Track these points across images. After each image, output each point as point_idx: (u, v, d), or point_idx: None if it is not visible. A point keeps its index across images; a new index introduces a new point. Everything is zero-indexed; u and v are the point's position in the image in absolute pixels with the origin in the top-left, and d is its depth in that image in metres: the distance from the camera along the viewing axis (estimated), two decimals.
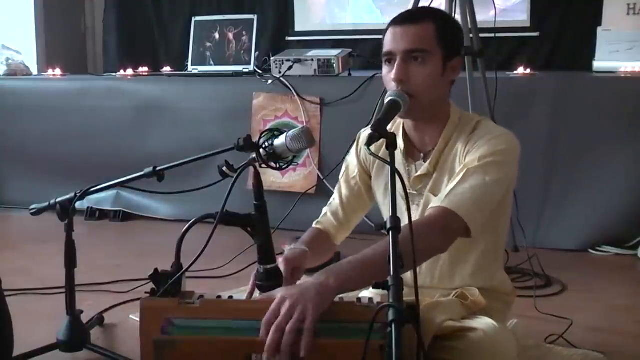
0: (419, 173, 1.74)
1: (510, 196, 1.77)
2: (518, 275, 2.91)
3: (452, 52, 1.70)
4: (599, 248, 3.29)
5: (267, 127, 3.15)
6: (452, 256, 1.74)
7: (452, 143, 1.72)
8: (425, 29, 1.67)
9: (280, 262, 1.65)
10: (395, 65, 1.66)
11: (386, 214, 1.83)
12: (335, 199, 1.92)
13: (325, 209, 1.93)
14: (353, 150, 1.92)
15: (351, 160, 1.92)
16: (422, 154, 1.76)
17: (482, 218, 1.60)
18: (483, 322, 1.56)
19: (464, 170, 1.63)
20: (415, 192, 1.74)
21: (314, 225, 1.91)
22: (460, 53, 1.75)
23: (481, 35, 3.15)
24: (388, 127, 1.86)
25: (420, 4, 3.16)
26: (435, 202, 1.62)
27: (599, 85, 3.50)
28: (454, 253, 1.72)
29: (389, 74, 1.69)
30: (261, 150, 1.65)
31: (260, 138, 1.67)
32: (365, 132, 1.89)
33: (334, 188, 1.98)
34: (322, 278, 1.42)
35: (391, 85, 1.67)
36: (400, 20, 1.70)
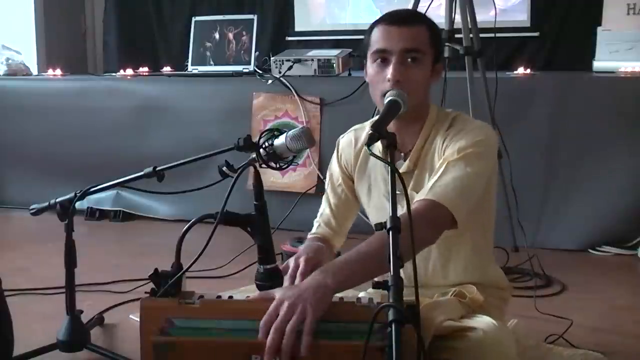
0: (400, 171, 1.74)
1: (493, 187, 1.79)
2: (518, 275, 2.91)
3: (438, 56, 1.74)
4: (599, 248, 3.29)
5: (267, 127, 3.14)
6: (443, 252, 1.75)
7: (430, 139, 1.74)
8: (420, 32, 1.69)
9: (304, 256, 1.64)
10: (392, 64, 1.66)
11: (372, 214, 1.85)
12: (325, 210, 1.91)
13: (317, 221, 1.92)
14: (334, 158, 1.92)
15: (334, 168, 1.92)
16: (402, 154, 1.77)
17: (466, 208, 1.62)
18: (483, 322, 1.56)
19: (445, 163, 1.64)
20: (398, 192, 1.74)
21: (310, 236, 1.89)
22: (441, 58, 1.79)
23: (481, 35, 3.15)
24: (357, 127, 1.89)
25: (420, 4, 3.16)
26: (419, 196, 1.63)
27: (599, 85, 3.50)
28: (444, 249, 1.73)
29: (380, 73, 1.68)
30: (261, 150, 1.65)
31: (260, 138, 1.67)
32: (344, 138, 1.91)
33: None
34: (320, 278, 1.42)
35: (385, 85, 1.66)
36: (395, 20, 1.70)
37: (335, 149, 1.93)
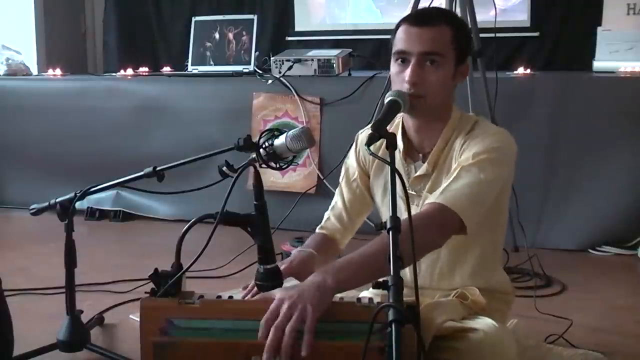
0: (418, 173, 1.74)
1: (507, 194, 1.78)
2: (518, 275, 2.91)
3: (463, 58, 1.71)
4: (599, 248, 3.29)
5: (267, 127, 3.15)
6: (451, 256, 1.74)
7: (450, 143, 1.72)
8: (442, 33, 1.66)
9: (285, 265, 1.65)
10: (410, 67, 1.65)
11: (385, 214, 1.84)
12: (337, 203, 1.90)
13: (327, 214, 1.91)
14: (352, 152, 1.91)
15: (350, 162, 1.91)
16: (421, 155, 1.76)
17: (477, 215, 1.61)
18: (483, 323, 1.57)
19: (459, 168, 1.63)
20: (414, 193, 1.74)
21: (317, 231, 1.89)
22: (468, 58, 1.75)
23: (481, 35, 3.15)
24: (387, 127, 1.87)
25: (421, 4, 3.16)
26: (431, 199, 1.63)
27: (599, 85, 3.50)
28: (452, 253, 1.73)
29: (400, 73, 1.67)
30: (261, 150, 1.65)
31: (260, 138, 1.67)
32: (364, 134, 1.89)
33: (334, 188, 1.97)
34: (320, 278, 1.42)
35: (404, 86, 1.66)
36: (417, 20, 1.69)
37: (354, 143, 1.91)
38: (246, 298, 1.60)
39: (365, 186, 1.88)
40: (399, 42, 1.68)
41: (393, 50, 1.71)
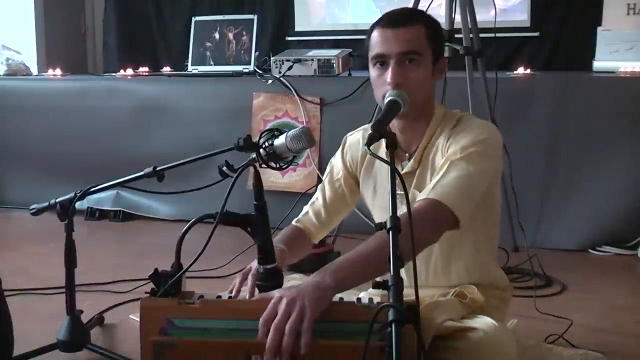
0: (404, 171, 1.74)
1: (497, 186, 1.79)
2: (518, 275, 2.91)
3: (439, 54, 1.73)
4: (599, 248, 3.29)
5: (267, 127, 3.14)
6: (445, 252, 1.75)
7: (434, 139, 1.74)
8: (417, 32, 1.68)
9: (249, 276, 1.64)
10: (391, 69, 1.66)
11: (377, 214, 1.85)
12: (318, 199, 1.92)
13: (306, 208, 1.93)
14: (339, 153, 1.92)
15: (336, 162, 1.92)
16: (407, 154, 1.77)
17: (469, 208, 1.61)
18: (483, 322, 1.57)
19: (448, 163, 1.64)
20: (402, 192, 1.74)
21: (293, 223, 1.91)
22: (444, 54, 1.78)
23: (481, 35, 3.15)
24: (366, 127, 1.88)
25: (420, 4, 3.16)
26: (422, 195, 1.63)
27: (599, 85, 3.50)
28: (446, 248, 1.73)
29: (381, 76, 1.69)
30: (261, 150, 1.65)
31: (260, 138, 1.67)
32: (353, 136, 1.91)
33: None
34: (319, 277, 1.42)
35: (386, 88, 1.66)
36: (392, 22, 1.70)
37: (341, 144, 1.93)
38: (246, 296, 1.59)
39: (348, 188, 1.89)
40: (376, 45, 1.69)
41: (370, 55, 1.72)
